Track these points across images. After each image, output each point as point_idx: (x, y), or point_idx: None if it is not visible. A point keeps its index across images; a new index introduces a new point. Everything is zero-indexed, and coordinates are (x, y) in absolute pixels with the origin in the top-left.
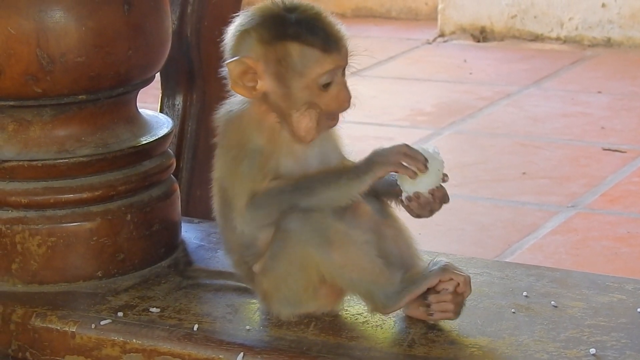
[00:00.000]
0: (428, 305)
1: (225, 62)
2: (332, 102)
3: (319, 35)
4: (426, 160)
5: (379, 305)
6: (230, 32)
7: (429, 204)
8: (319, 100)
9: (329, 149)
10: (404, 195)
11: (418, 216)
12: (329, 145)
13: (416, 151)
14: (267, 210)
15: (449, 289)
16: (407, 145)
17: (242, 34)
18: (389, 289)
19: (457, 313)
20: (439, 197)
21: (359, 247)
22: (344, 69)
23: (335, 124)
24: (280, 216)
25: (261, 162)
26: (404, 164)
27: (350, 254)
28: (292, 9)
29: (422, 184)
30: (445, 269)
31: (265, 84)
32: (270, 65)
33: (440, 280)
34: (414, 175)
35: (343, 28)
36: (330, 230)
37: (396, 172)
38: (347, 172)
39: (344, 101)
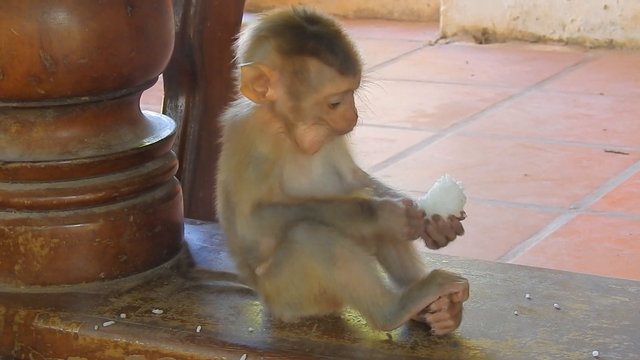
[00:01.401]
0: (428, 326)
1: (240, 64)
2: (338, 120)
3: (338, 55)
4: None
5: (377, 325)
6: (247, 34)
7: (446, 229)
8: (326, 117)
9: (337, 155)
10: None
11: (434, 243)
12: (337, 152)
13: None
14: (270, 222)
15: (444, 308)
16: (420, 221)
17: (260, 39)
18: (388, 310)
19: (458, 323)
20: (456, 226)
21: (362, 267)
22: (352, 94)
23: (342, 135)
24: (289, 225)
25: (266, 170)
26: (411, 234)
27: (353, 273)
28: (313, 21)
29: (443, 209)
30: (443, 284)
31: (275, 93)
32: (285, 76)
33: (439, 296)
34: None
35: (360, 50)
36: (336, 247)
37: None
38: (356, 216)
39: (351, 120)
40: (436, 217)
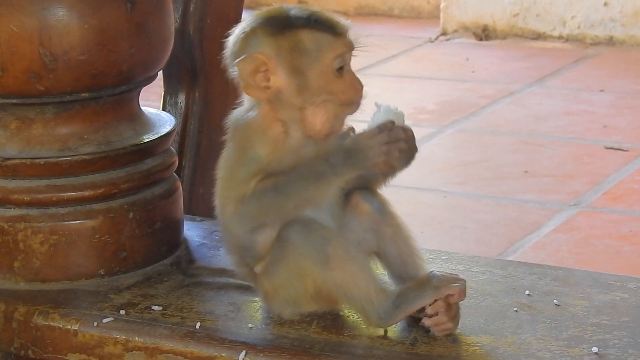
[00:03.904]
0: (427, 330)
1: (235, 61)
2: (348, 89)
3: (325, 22)
4: (407, 138)
5: (372, 322)
6: (233, 37)
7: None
8: (335, 88)
9: None
10: None
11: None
12: None
13: (395, 131)
14: (252, 213)
15: (441, 312)
16: (384, 133)
17: (247, 35)
18: (383, 308)
19: (456, 324)
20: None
21: (357, 266)
22: (351, 58)
23: (353, 112)
24: (283, 225)
25: (256, 170)
26: (388, 153)
27: (347, 272)
28: (289, 7)
29: None
30: (439, 286)
31: (278, 79)
32: (283, 56)
33: (435, 300)
34: (398, 158)
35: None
36: (330, 247)
37: (380, 167)
38: (327, 169)
39: (358, 88)
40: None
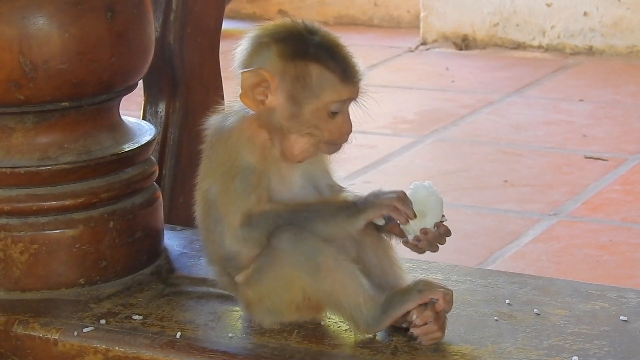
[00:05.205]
0: (415, 338)
1: (239, 71)
2: (335, 131)
3: (340, 63)
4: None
5: (360, 329)
6: (246, 42)
7: (436, 238)
8: (323, 126)
9: (317, 170)
10: (410, 237)
11: (423, 251)
12: (317, 166)
13: (409, 200)
14: (261, 233)
15: (431, 321)
16: (403, 192)
17: (261, 46)
18: (371, 315)
19: (444, 332)
20: (443, 231)
21: (347, 274)
22: (350, 103)
23: (333, 152)
24: (272, 232)
25: (254, 181)
26: (398, 207)
27: (337, 281)
28: (312, 32)
29: (427, 220)
30: (423, 290)
31: (275, 99)
32: (286, 81)
33: (419, 304)
34: (405, 221)
35: (359, 62)
36: (320, 256)
37: (390, 214)
38: (345, 209)
39: (346, 132)
40: (425, 231)
